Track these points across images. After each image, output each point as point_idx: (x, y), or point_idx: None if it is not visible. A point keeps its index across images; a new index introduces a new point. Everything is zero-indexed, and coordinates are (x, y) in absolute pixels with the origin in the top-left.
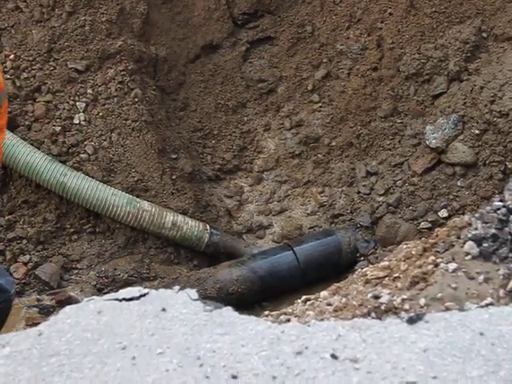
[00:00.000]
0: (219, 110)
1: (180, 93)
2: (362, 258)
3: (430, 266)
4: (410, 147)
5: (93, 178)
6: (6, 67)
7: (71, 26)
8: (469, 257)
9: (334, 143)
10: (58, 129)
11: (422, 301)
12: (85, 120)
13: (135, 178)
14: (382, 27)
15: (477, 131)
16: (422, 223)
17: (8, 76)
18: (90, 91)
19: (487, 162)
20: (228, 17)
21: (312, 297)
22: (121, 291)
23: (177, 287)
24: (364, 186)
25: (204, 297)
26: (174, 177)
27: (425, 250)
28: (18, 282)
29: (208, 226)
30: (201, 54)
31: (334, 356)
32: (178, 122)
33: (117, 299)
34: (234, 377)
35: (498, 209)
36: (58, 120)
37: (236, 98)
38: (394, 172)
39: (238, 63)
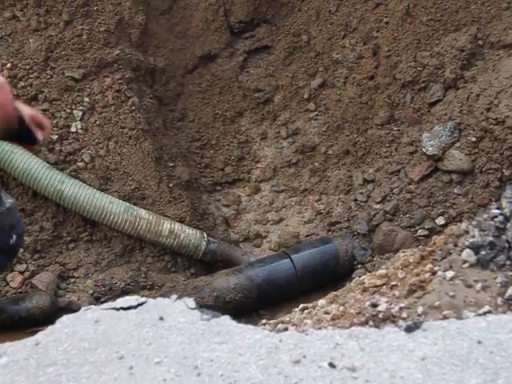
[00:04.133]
0: (217, 120)
1: (178, 103)
2: (360, 266)
3: (427, 274)
4: (406, 155)
5: (90, 186)
6: (2, 76)
7: (68, 34)
8: (466, 265)
9: (330, 151)
10: (54, 137)
11: (420, 309)
12: (82, 128)
13: (132, 186)
14: (378, 36)
15: (473, 139)
16: (419, 231)
17: None
18: (86, 99)
19: (484, 170)
20: (225, 27)
21: (309, 305)
22: (118, 300)
23: (174, 296)
24: (361, 193)
25: (201, 305)
26: (171, 185)
27: (422, 257)
28: (14, 291)
29: (205, 234)
30: (199, 64)
31: (331, 365)
32: (176, 132)
33: (114, 308)
34: None
35: (495, 216)
36: (54, 128)
37: (234, 108)
38: (391, 179)
39: (236, 73)
